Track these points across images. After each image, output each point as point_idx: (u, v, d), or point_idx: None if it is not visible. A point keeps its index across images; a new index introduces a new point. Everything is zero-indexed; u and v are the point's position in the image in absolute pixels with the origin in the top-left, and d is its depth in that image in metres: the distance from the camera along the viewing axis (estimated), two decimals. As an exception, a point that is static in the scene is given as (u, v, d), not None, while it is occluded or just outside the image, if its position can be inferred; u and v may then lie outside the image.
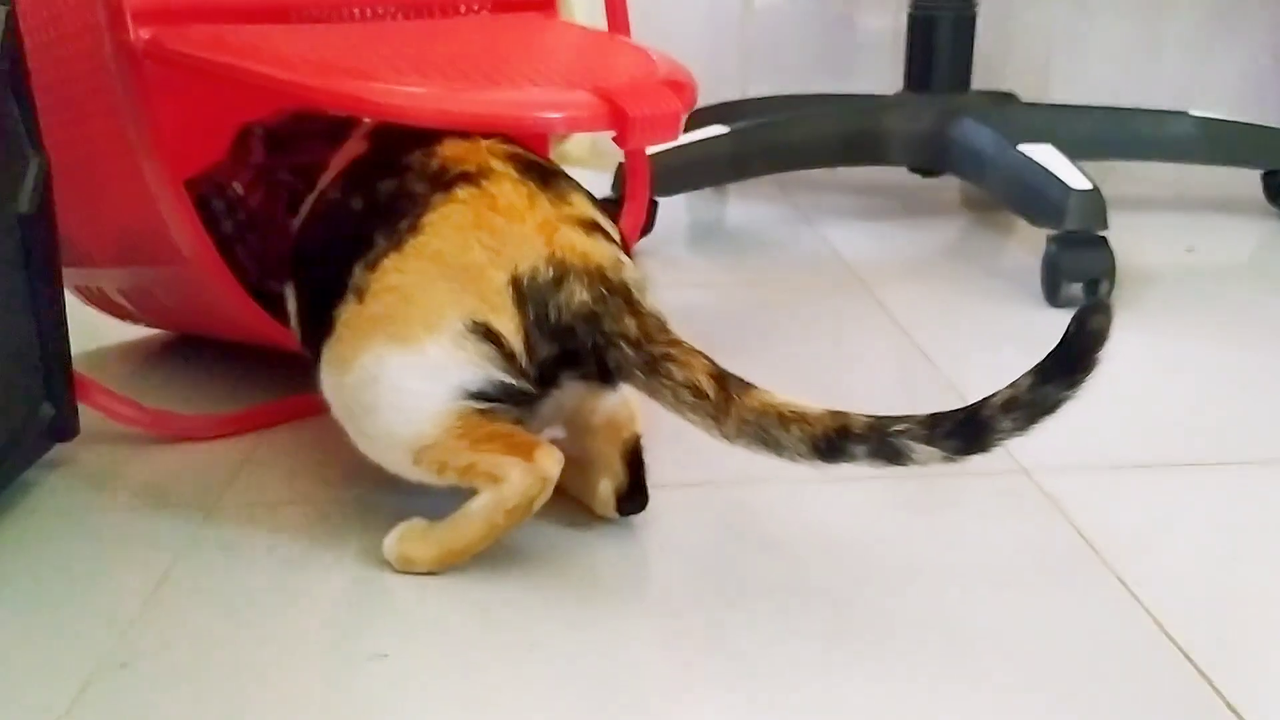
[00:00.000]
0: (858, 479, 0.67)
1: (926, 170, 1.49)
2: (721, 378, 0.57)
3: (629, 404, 0.65)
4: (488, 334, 0.58)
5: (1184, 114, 1.39)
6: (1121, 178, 1.43)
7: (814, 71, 1.81)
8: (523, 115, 0.67)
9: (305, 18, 0.83)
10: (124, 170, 0.74)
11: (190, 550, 0.65)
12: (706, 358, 0.58)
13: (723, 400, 0.57)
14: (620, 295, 0.59)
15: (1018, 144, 1.18)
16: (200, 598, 0.61)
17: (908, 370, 0.91)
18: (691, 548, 0.65)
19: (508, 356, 0.59)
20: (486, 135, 0.65)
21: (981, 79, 1.44)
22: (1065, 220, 1.06)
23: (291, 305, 0.70)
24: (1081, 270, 1.04)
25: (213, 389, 0.90)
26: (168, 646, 0.56)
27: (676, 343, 0.59)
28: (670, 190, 1.34)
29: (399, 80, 0.67)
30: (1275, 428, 0.79)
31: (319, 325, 0.64)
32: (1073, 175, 1.09)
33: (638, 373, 0.59)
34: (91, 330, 1.02)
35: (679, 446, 0.73)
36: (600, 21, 1.01)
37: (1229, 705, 0.50)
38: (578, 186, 0.65)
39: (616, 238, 0.64)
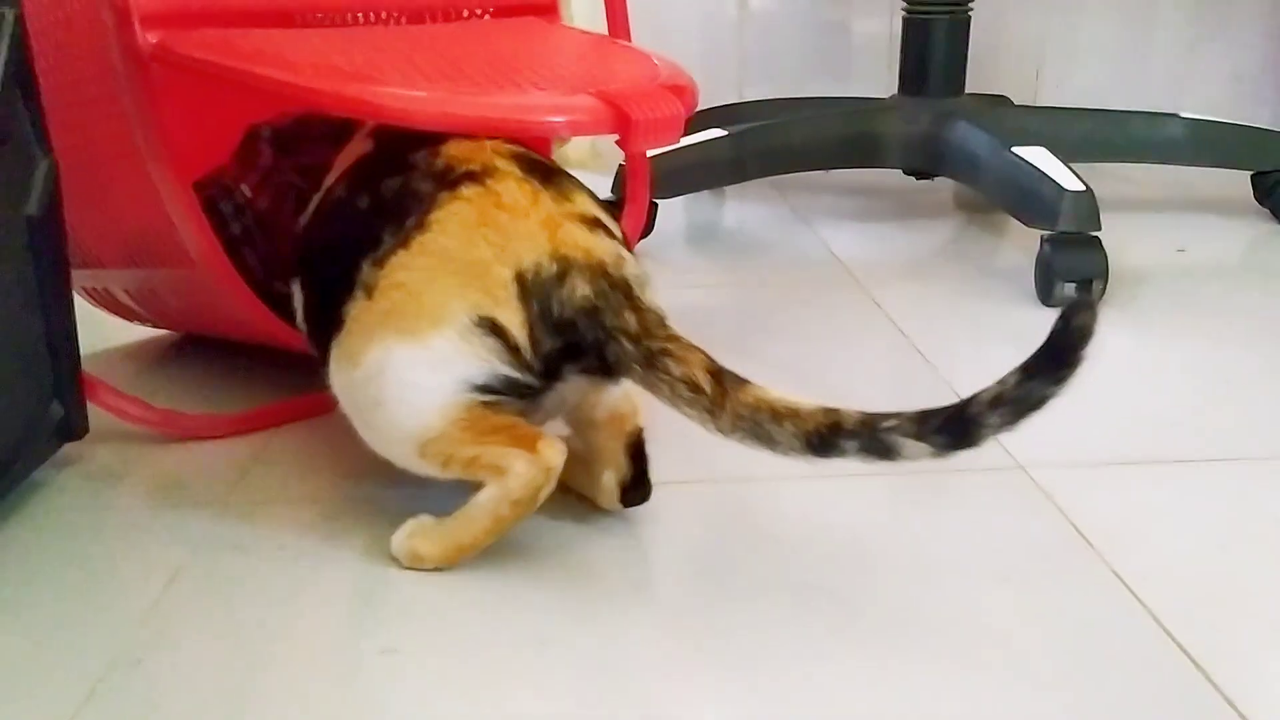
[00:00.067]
0: (857, 475, 0.68)
1: (921, 172, 1.51)
2: (718, 373, 0.59)
3: (631, 398, 0.66)
4: (493, 328, 0.59)
5: (1175, 116, 1.41)
6: (1113, 179, 1.44)
7: (809, 75, 1.82)
8: (526, 119, 0.68)
9: (309, 22, 0.84)
10: (132, 172, 0.74)
11: (201, 548, 0.66)
12: (704, 353, 0.60)
13: (718, 395, 0.58)
14: (621, 290, 0.61)
15: (1011, 146, 1.19)
16: (211, 595, 0.61)
17: (904, 369, 0.93)
18: (694, 544, 0.66)
19: (512, 350, 0.60)
20: (490, 137, 0.66)
21: (973, 83, 1.45)
22: (1059, 221, 1.07)
23: (298, 302, 0.71)
24: (1075, 271, 1.05)
25: (220, 389, 0.91)
26: (179, 644, 0.57)
27: (675, 338, 0.60)
28: (669, 192, 1.35)
29: (404, 84, 0.68)
30: (1268, 425, 0.80)
31: (327, 322, 0.65)
32: (1066, 177, 1.10)
33: (636, 367, 0.60)
34: (98, 331, 1.02)
35: (680, 444, 0.74)
36: (600, 25, 1.02)
37: (1225, 697, 0.51)
38: (580, 185, 0.66)
39: (618, 235, 0.65)
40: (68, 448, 0.76)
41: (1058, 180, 1.10)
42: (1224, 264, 1.24)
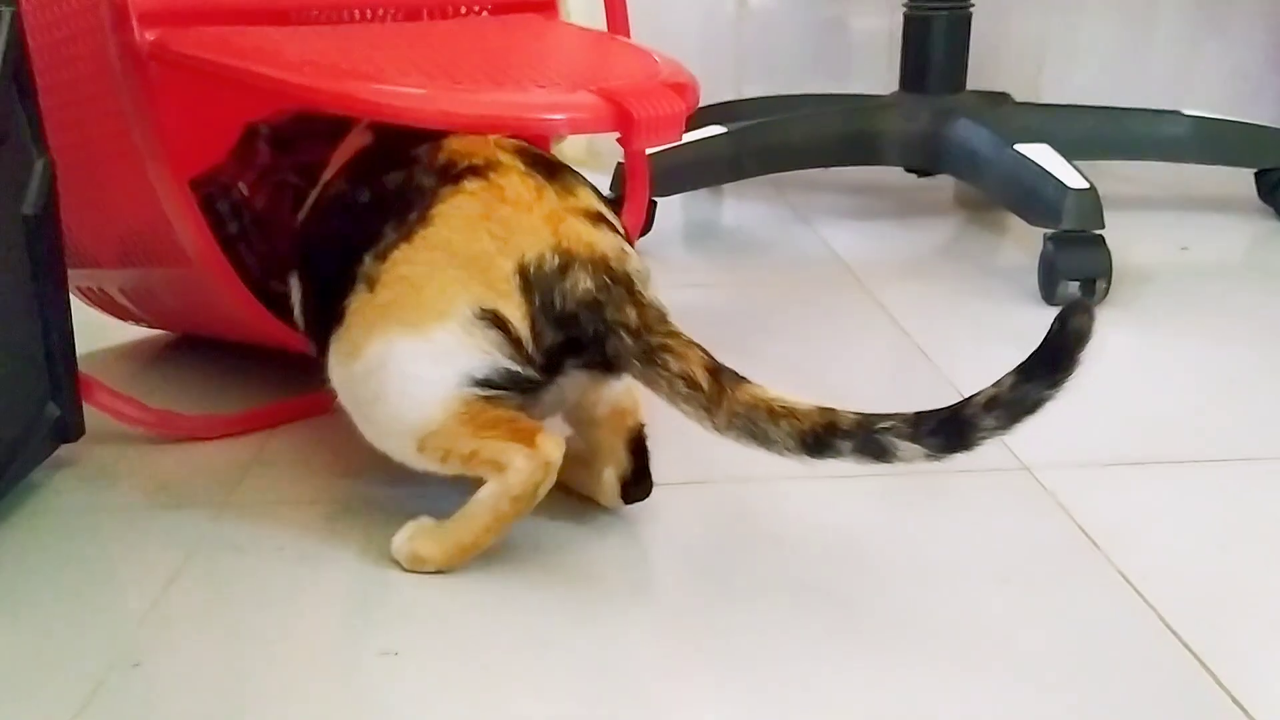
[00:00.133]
0: (858, 476, 0.67)
1: (922, 170, 1.50)
2: (716, 371, 0.58)
3: (632, 393, 0.66)
4: (495, 320, 0.59)
5: (1177, 113, 1.40)
6: (1115, 177, 1.44)
7: (809, 72, 1.81)
8: (527, 116, 0.67)
9: (306, 20, 0.84)
10: (129, 171, 0.74)
11: (199, 550, 0.66)
12: (703, 350, 0.59)
13: (715, 393, 0.58)
14: (623, 285, 0.60)
15: (1014, 144, 1.18)
16: (210, 597, 0.61)
17: (906, 369, 0.92)
18: (694, 545, 0.66)
19: (514, 343, 0.59)
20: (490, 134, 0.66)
21: (973, 80, 1.45)
22: (1062, 219, 1.06)
23: (296, 296, 0.71)
24: (1078, 269, 1.05)
25: (217, 389, 0.91)
26: (179, 646, 0.57)
27: (675, 334, 0.60)
28: (668, 190, 1.35)
29: (404, 82, 0.68)
30: (1272, 424, 0.79)
31: (326, 315, 0.64)
32: (1069, 174, 1.10)
33: (635, 362, 0.60)
34: (94, 331, 1.02)
35: (680, 445, 0.73)
36: (597, 22, 1.01)
37: (1230, 695, 0.51)
38: (583, 180, 0.66)
39: (621, 230, 0.64)
40: (64, 449, 0.76)
41: (1061, 178, 1.09)
42: (1227, 262, 1.24)
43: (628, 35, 1.00)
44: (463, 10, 0.94)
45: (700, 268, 1.25)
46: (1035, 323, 0.52)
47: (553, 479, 0.61)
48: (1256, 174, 1.45)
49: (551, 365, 0.61)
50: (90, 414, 0.77)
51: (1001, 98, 1.57)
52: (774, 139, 1.39)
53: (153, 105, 0.71)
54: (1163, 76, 1.81)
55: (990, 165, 1.24)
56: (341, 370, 0.64)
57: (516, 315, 0.59)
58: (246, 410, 0.83)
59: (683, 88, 0.73)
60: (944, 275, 1.19)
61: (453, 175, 0.62)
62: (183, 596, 0.61)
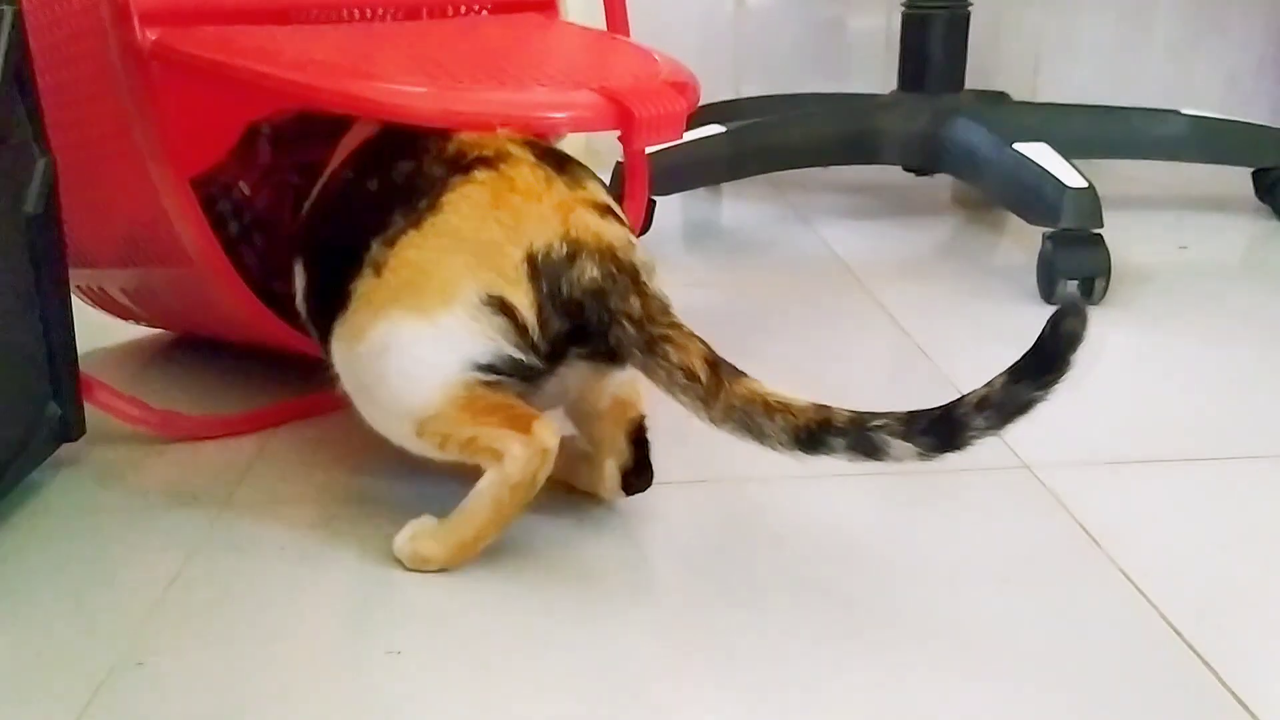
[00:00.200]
0: (859, 475, 0.68)
1: (920, 169, 1.50)
2: (715, 364, 0.59)
3: (635, 385, 0.66)
4: (502, 307, 0.59)
5: (1175, 112, 1.41)
6: (1114, 176, 1.44)
7: (807, 71, 1.81)
8: (529, 114, 0.67)
9: (306, 19, 0.84)
10: (130, 171, 0.74)
11: (201, 549, 0.66)
12: (703, 343, 0.60)
13: (713, 385, 0.58)
14: (628, 274, 0.61)
15: (1013, 143, 1.19)
16: (212, 597, 0.61)
17: (905, 368, 0.92)
18: (694, 544, 0.66)
19: (520, 330, 0.60)
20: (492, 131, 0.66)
21: (971, 79, 1.45)
22: (1061, 218, 1.07)
23: (299, 282, 0.71)
24: (1077, 268, 1.05)
25: (217, 389, 0.91)
26: (182, 646, 0.57)
27: (676, 326, 0.60)
28: (667, 189, 1.35)
29: (406, 81, 0.68)
30: (1270, 423, 0.80)
31: (331, 300, 0.65)
32: (1068, 173, 1.10)
33: (636, 351, 0.60)
34: (94, 331, 1.02)
35: (682, 444, 0.73)
36: (596, 22, 1.01)
37: (1234, 694, 0.51)
38: (591, 173, 0.66)
39: (627, 223, 0.65)
40: (65, 448, 0.75)
41: (1059, 177, 1.09)
42: (1226, 261, 1.24)
43: (627, 34, 1.00)
44: (462, 10, 0.94)
45: (699, 267, 1.25)
46: (1034, 322, 0.52)
47: (550, 466, 0.61)
48: (1254, 173, 1.45)
49: (555, 354, 0.61)
50: (91, 414, 0.76)
51: (1000, 97, 1.57)
52: (772, 138, 1.40)
53: (154, 105, 0.71)
54: (1160, 76, 1.82)
55: (989, 164, 1.24)
56: (345, 353, 0.64)
57: (524, 303, 0.60)
58: (247, 410, 0.83)
59: (683, 86, 0.73)
60: (943, 274, 1.19)
61: (463, 165, 0.63)
62: (184, 596, 0.61)
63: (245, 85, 0.69)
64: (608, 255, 0.61)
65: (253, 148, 0.87)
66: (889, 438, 0.55)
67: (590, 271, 0.60)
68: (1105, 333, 0.98)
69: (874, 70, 1.78)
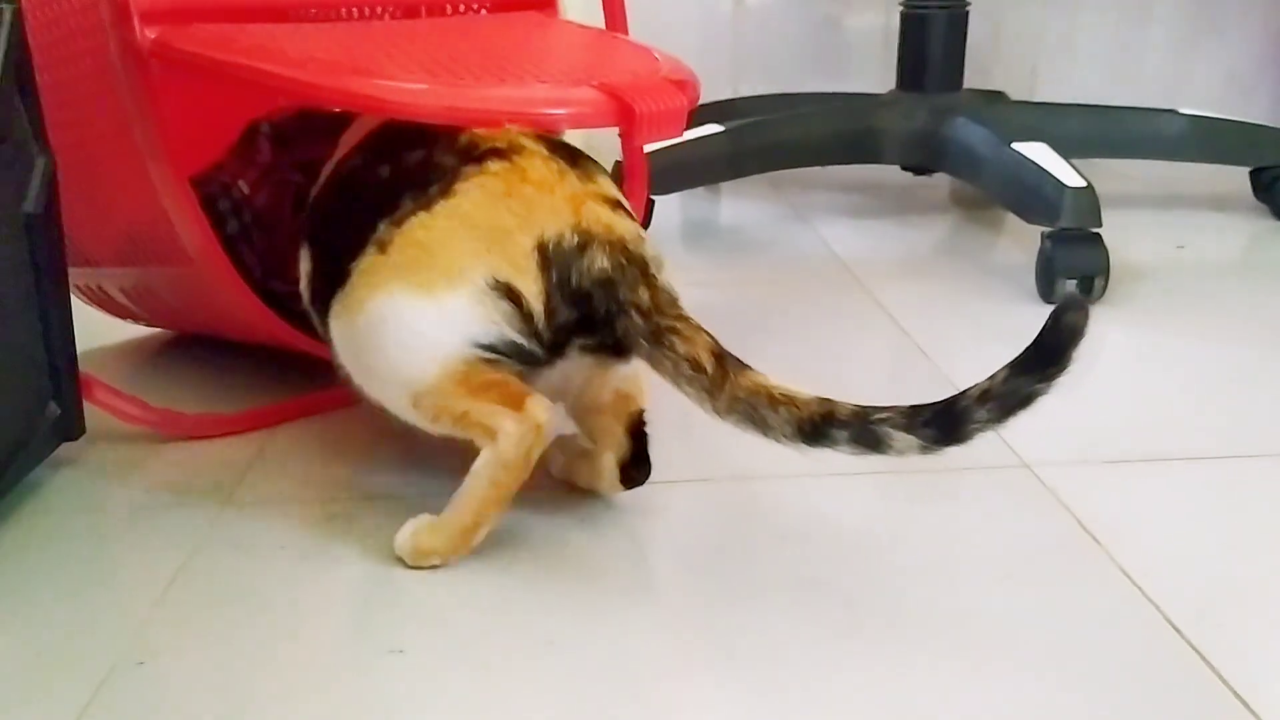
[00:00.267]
0: (860, 474, 0.68)
1: (919, 169, 1.50)
2: (721, 356, 0.59)
3: (638, 380, 0.66)
4: (509, 293, 0.60)
5: (1173, 112, 1.41)
6: (1112, 175, 1.44)
7: (805, 70, 1.81)
8: (530, 112, 0.67)
9: (304, 17, 0.83)
10: (129, 170, 0.74)
11: (201, 549, 0.66)
12: (710, 336, 0.60)
13: (719, 377, 0.59)
14: (637, 266, 0.61)
15: (1011, 142, 1.19)
16: (213, 596, 0.61)
17: (905, 367, 0.92)
18: (695, 543, 0.66)
19: (525, 318, 0.60)
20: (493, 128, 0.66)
21: (969, 78, 1.45)
22: (1060, 217, 1.07)
23: (304, 267, 0.71)
24: (1076, 267, 1.05)
25: (217, 388, 0.90)
26: (183, 644, 0.56)
27: (684, 318, 0.61)
28: (666, 188, 1.35)
29: (407, 78, 0.68)
30: (1268, 421, 0.80)
31: (334, 281, 0.65)
32: (1067, 173, 1.10)
33: (643, 342, 0.60)
34: (94, 330, 1.01)
35: (684, 443, 0.73)
36: (594, 20, 1.01)
37: (1234, 692, 0.51)
38: (602, 169, 0.67)
39: (636, 219, 0.65)
40: (65, 448, 0.75)
41: (1058, 176, 1.09)
42: (1224, 260, 1.24)
43: (626, 33, 1.00)
44: (461, 7, 0.93)
45: (698, 266, 1.25)
46: (1033, 321, 0.52)
47: (543, 444, 0.62)
48: (1252, 172, 1.45)
49: (557, 343, 0.61)
50: (91, 413, 0.76)
51: (998, 96, 1.57)
52: (771, 137, 1.39)
53: (154, 103, 0.71)
54: (1158, 75, 1.82)
55: (988, 164, 1.24)
56: (343, 326, 0.64)
57: (532, 291, 0.60)
58: (247, 409, 0.83)
59: (683, 84, 0.73)
60: (942, 273, 1.19)
61: (476, 156, 0.63)
62: (185, 595, 0.61)
63: (247, 83, 0.69)
64: (618, 247, 0.61)
65: (252, 146, 0.87)
66: (892, 430, 0.55)
67: (600, 262, 0.60)
68: (1104, 331, 0.98)
69: (872, 69, 1.78)
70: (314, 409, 0.83)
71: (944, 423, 0.54)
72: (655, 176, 1.18)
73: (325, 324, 0.67)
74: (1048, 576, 0.61)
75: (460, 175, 0.62)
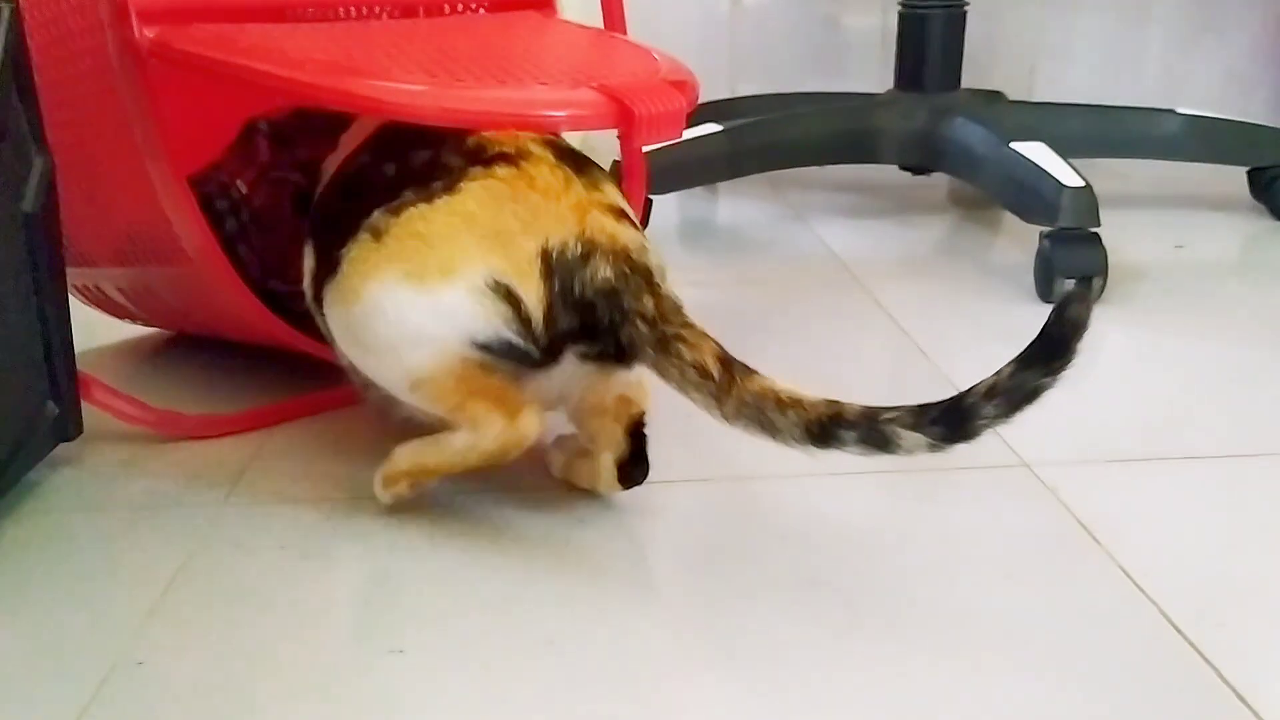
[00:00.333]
0: (861, 473, 0.68)
1: (917, 168, 1.50)
2: (727, 362, 0.60)
3: (642, 384, 0.67)
4: (508, 295, 0.60)
5: (1171, 111, 1.41)
6: (1110, 175, 1.44)
7: (803, 70, 1.81)
8: (529, 113, 0.67)
9: (303, 17, 0.83)
10: (128, 170, 0.74)
11: (201, 548, 0.66)
12: (716, 343, 0.61)
13: (726, 382, 0.59)
14: (641, 275, 0.62)
15: (1010, 142, 1.19)
16: (213, 595, 0.61)
17: (904, 366, 0.92)
18: (697, 543, 0.66)
19: (523, 321, 0.60)
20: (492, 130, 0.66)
21: (967, 78, 1.45)
22: (1059, 217, 1.07)
23: (308, 264, 0.71)
24: (1075, 267, 1.05)
25: (216, 388, 0.90)
26: (183, 644, 0.56)
27: (689, 325, 0.61)
28: (664, 188, 1.35)
29: (406, 79, 0.68)
30: (1267, 421, 0.80)
31: (327, 269, 0.65)
32: (1065, 172, 1.10)
33: (649, 350, 0.61)
34: (92, 329, 1.01)
35: (685, 442, 0.73)
36: (593, 20, 1.01)
37: (1234, 691, 0.51)
38: (608, 177, 0.67)
39: (640, 229, 0.65)
40: (63, 448, 0.75)
41: (1057, 176, 1.09)
42: (1222, 260, 1.24)
43: (624, 33, 1.00)
44: (460, 7, 0.93)
45: (697, 266, 1.24)
46: (1032, 320, 0.52)
47: (521, 451, 0.63)
48: (1250, 172, 1.46)
49: (554, 349, 0.62)
50: (89, 413, 0.76)
51: (996, 96, 1.57)
52: (770, 137, 1.39)
53: (152, 103, 0.71)
54: (1157, 75, 1.82)
55: (986, 163, 1.24)
56: (339, 315, 0.65)
57: (533, 297, 0.60)
58: (246, 409, 0.83)
59: (683, 84, 0.73)
60: (941, 273, 1.19)
61: (484, 159, 0.63)
62: (184, 595, 0.61)
63: (245, 83, 0.69)
64: (622, 256, 0.61)
65: (250, 145, 0.87)
66: (900, 429, 0.55)
67: (604, 272, 0.61)
68: (1103, 331, 0.98)
69: (871, 69, 1.78)
70: (314, 409, 0.83)
71: (952, 420, 0.54)
72: (653, 176, 1.18)
73: (323, 316, 0.67)
74: (1048, 576, 0.61)
75: (467, 175, 0.63)
